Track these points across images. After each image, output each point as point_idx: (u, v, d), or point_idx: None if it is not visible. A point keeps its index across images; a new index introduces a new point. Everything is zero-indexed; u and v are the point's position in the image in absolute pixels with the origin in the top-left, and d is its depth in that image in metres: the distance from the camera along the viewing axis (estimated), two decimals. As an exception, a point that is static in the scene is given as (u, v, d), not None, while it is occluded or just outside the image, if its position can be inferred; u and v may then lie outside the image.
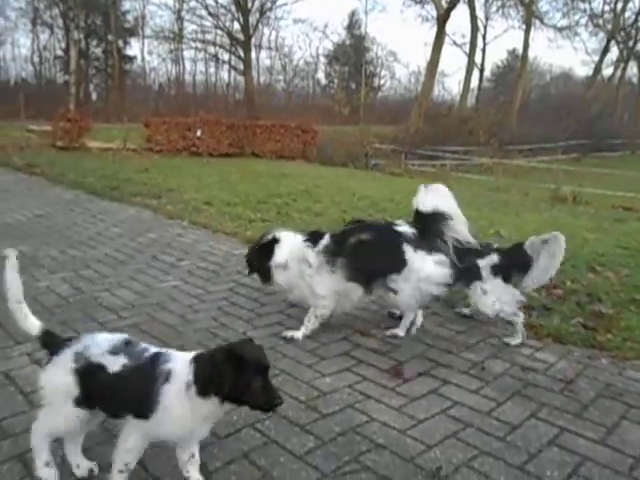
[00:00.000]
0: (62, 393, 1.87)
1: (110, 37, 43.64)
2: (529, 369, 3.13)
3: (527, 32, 37.90)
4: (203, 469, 2.11)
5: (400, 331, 3.51)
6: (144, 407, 1.82)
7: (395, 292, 3.38)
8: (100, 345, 1.92)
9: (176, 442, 1.97)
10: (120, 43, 44.72)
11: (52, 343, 1.96)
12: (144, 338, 3.27)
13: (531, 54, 47.28)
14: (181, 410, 1.81)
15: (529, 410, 2.68)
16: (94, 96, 45.95)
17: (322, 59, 56.93)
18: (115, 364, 1.86)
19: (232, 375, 1.76)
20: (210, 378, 1.78)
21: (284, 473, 2.14)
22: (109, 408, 1.93)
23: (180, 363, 1.87)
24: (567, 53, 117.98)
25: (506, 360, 3.24)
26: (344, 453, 2.28)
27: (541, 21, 39.26)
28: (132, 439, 1.87)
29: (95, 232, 6.03)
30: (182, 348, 3.15)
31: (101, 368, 1.86)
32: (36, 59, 43.97)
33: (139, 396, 1.83)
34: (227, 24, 40.82)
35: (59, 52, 43.89)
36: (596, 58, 41.89)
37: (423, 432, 2.45)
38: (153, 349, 1.96)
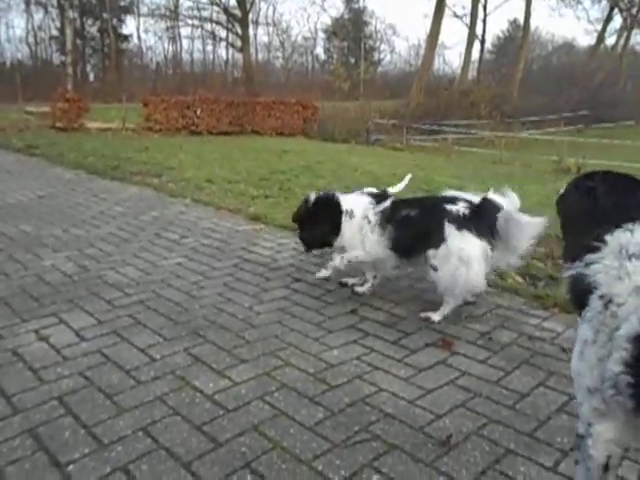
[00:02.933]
0: None
1: (105, 15, 42.96)
2: (537, 338, 3.12)
3: (528, 1, 37.18)
4: (213, 441, 2.13)
5: (436, 316, 3.31)
6: None
7: (435, 269, 3.28)
8: None
9: None
10: (115, 21, 44.07)
11: None
12: (150, 315, 3.28)
13: (533, 24, 46.36)
14: None
15: (537, 379, 2.68)
16: (91, 76, 45.42)
17: (321, 34, 56.12)
18: None
19: None
20: None
21: (294, 444, 2.14)
22: None
23: None
24: (569, 22, 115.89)
25: (513, 330, 3.23)
26: (354, 423, 2.28)
27: (543, -11, 38.47)
28: None
29: (98, 211, 6.00)
30: (188, 324, 3.18)
31: None
32: (31, 39, 43.35)
33: None
34: (223, 0, 40.17)
35: (54, 32, 43.21)
36: (599, 27, 41.22)
37: (432, 402, 2.46)
38: None
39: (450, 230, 3.19)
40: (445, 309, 3.33)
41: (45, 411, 2.28)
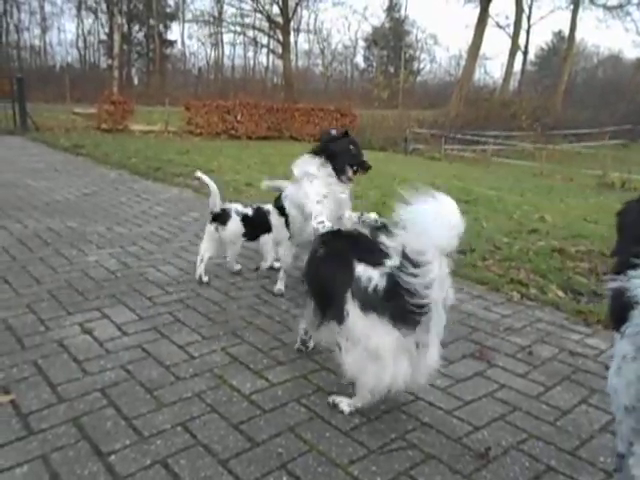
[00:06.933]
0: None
1: (152, 21, 44.22)
2: (579, 355, 3.04)
3: (575, 12, 36.49)
4: (250, 441, 2.14)
5: (345, 406, 2.36)
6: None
7: (340, 348, 2.30)
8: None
9: None
10: (161, 27, 45.28)
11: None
12: (189, 313, 3.33)
13: (578, 36, 45.42)
14: None
15: (579, 396, 2.61)
16: (136, 80, 46.74)
17: (361, 42, 56.36)
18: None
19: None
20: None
21: (330, 447, 2.14)
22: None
23: None
24: (616, 35, 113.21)
25: (554, 345, 3.16)
26: (390, 430, 2.26)
27: (590, 0, 37.66)
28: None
29: (140, 210, 6.14)
30: (226, 324, 3.21)
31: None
32: (81, 44, 44.98)
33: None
34: (266, 7, 40.64)
35: (103, 37, 44.76)
36: (648, 39, 40.09)
37: (470, 413, 2.42)
38: None
39: (353, 309, 2.17)
40: (357, 401, 2.35)
41: (89, 401, 2.34)
